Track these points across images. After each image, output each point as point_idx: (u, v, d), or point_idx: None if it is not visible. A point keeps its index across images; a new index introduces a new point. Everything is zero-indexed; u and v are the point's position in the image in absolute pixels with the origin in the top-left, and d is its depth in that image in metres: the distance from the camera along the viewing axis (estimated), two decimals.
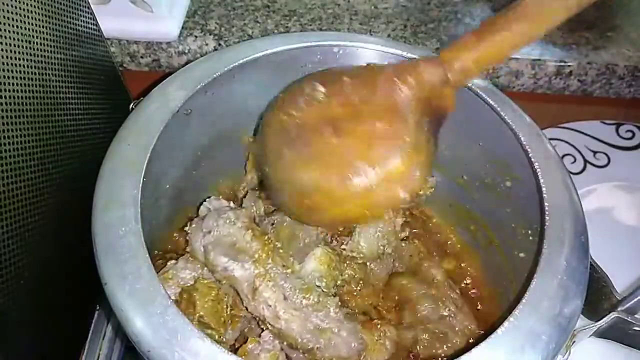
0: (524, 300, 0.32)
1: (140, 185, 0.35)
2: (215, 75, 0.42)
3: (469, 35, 0.34)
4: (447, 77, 0.34)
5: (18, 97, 0.36)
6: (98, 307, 0.47)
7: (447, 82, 0.34)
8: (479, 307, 0.46)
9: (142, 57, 0.61)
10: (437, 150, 0.37)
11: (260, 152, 0.39)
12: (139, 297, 0.31)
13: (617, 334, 0.37)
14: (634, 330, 0.36)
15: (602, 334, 0.37)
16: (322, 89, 0.36)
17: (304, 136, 0.36)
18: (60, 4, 0.42)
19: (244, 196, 0.49)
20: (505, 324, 0.31)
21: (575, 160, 0.64)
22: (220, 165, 0.49)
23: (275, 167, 0.37)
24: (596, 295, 0.38)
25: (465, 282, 0.48)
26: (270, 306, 0.37)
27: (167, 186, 0.44)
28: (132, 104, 0.43)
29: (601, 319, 0.36)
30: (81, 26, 0.45)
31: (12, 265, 0.35)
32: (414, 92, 0.35)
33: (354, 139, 0.35)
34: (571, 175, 0.39)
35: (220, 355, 0.29)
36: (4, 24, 0.35)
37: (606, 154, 0.65)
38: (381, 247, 0.45)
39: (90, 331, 0.46)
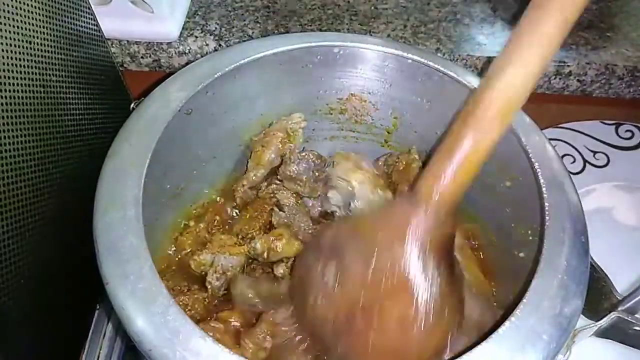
0: (524, 300, 0.32)
1: (142, 185, 0.35)
2: (216, 76, 0.42)
3: (433, 167, 0.34)
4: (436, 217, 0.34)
5: (18, 97, 0.36)
6: (98, 307, 0.47)
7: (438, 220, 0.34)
8: None
9: (142, 57, 0.61)
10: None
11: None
12: (141, 296, 0.31)
13: (617, 333, 0.37)
14: (634, 330, 0.36)
15: (602, 334, 0.37)
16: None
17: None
18: (61, 4, 0.42)
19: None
20: (506, 323, 0.31)
21: (574, 160, 0.64)
22: (221, 165, 0.49)
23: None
24: (596, 295, 0.38)
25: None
26: None
27: (168, 186, 0.44)
28: (133, 104, 0.43)
29: (601, 318, 0.36)
30: (82, 26, 0.45)
31: (12, 265, 0.35)
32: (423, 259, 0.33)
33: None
34: (571, 175, 0.39)
35: (221, 355, 0.29)
36: (4, 24, 0.35)
37: (606, 154, 0.65)
38: None
39: (91, 330, 0.46)
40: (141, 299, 0.31)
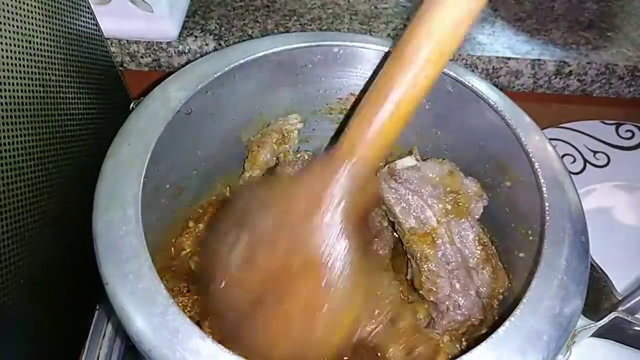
0: (524, 300, 0.31)
1: (141, 185, 0.35)
2: (216, 75, 0.42)
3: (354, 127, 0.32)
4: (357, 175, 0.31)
5: (18, 97, 0.36)
6: (98, 307, 0.47)
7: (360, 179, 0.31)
8: None
9: (142, 57, 0.61)
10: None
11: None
12: (140, 296, 0.31)
13: (617, 333, 0.37)
14: (634, 330, 0.36)
15: (602, 334, 0.37)
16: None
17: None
18: (60, 4, 0.42)
19: None
20: (506, 324, 0.31)
21: (575, 160, 0.64)
22: (221, 165, 0.49)
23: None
24: (596, 295, 0.38)
25: None
26: None
27: (168, 186, 0.44)
28: (132, 104, 0.43)
29: (601, 318, 0.36)
30: (81, 26, 0.45)
31: (12, 265, 0.35)
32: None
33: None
34: (571, 175, 0.39)
35: (221, 355, 0.29)
36: (4, 24, 0.35)
37: (606, 154, 0.65)
38: None
39: (91, 331, 0.46)
40: (140, 299, 0.31)
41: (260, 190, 0.38)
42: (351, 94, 0.50)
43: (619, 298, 0.38)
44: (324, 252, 0.31)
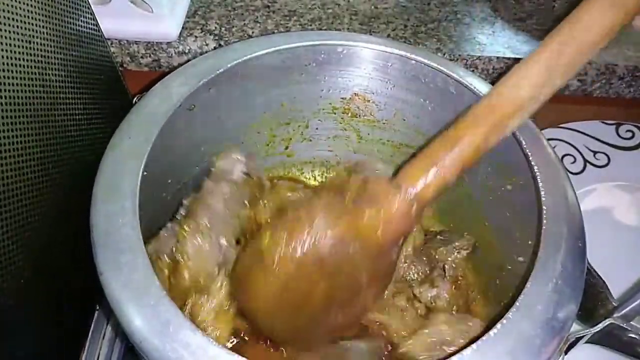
0: (517, 304, 0.31)
1: (140, 178, 0.36)
2: (218, 72, 0.42)
3: (427, 154, 0.34)
4: (410, 210, 0.33)
5: (18, 97, 0.36)
6: (98, 307, 0.47)
7: (409, 215, 0.34)
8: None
9: (142, 57, 0.61)
10: None
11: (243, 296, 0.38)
12: (134, 287, 0.31)
13: (612, 340, 0.37)
14: (629, 337, 0.36)
15: (596, 341, 0.37)
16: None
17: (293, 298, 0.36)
18: (60, 4, 0.42)
19: None
20: (498, 326, 0.30)
21: (575, 160, 0.64)
22: None
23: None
24: (592, 300, 0.38)
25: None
26: None
27: (169, 180, 0.44)
28: (135, 98, 0.43)
29: (596, 324, 0.36)
30: (81, 26, 0.45)
31: (12, 265, 0.35)
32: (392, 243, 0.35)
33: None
34: (571, 175, 0.39)
35: (210, 347, 0.29)
36: (4, 24, 0.35)
37: (606, 154, 0.65)
38: None
39: (90, 331, 0.46)
40: (133, 290, 0.31)
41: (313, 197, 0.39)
42: (355, 93, 0.50)
43: (615, 304, 0.37)
44: (387, 273, 0.38)
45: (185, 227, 0.40)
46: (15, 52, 0.36)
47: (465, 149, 0.33)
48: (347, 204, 0.34)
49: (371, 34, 0.62)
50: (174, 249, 0.39)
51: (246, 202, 0.44)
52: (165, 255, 0.39)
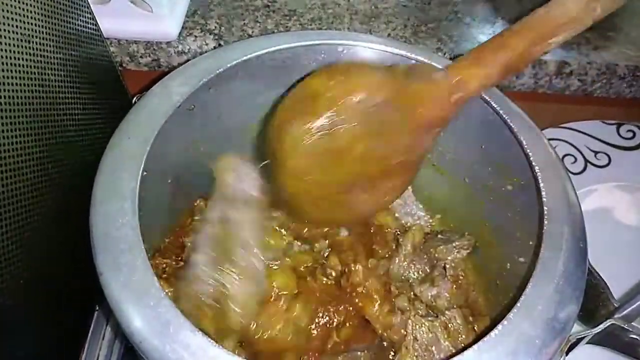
0: (518, 304, 0.31)
1: (139, 178, 0.35)
2: (218, 72, 0.42)
3: (475, 52, 0.35)
4: (452, 96, 0.35)
5: (17, 97, 0.36)
6: (98, 308, 0.47)
7: (450, 100, 0.35)
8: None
9: (141, 56, 0.61)
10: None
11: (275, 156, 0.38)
12: (133, 288, 0.31)
13: (613, 341, 0.37)
14: (630, 338, 0.36)
15: (598, 341, 0.37)
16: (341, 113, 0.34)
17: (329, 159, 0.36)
18: (60, 4, 0.42)
19: None
20: (499, 327, 0.30)
21: (575, 160, 0.64)
22: None
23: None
24: (593, 301, 0.38)
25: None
26: None
27: (169, 180, 0.44)
28: (134, 98, 0.43)
29: (597, 325, 0.36)
30: (81, 26, 0.45)
31: (12, 265, 0.35)
32: (432, 115, 0.35)
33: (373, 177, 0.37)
34: (572, 175, 0.39)
35: (210, 348, 0.29)
36: (4, 24, 0.34)
37: (607, 154, 0.65)
38: None
39: (90, 332, 0.46)
40: (133, 291, 0.31)
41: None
42: None
43: (616, 305, 0.37)
44: (414, 162, 0.38)
45: (228, 271, 0.39)
46: (14, 52, 0.36)
47: (510, 53, 0.34)
48: (395, 75, 0.36)
49: (371, 34, 0.62)
50: (220, 294, 0.39)
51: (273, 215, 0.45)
52: (211, 299, 0.39)
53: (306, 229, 0.49)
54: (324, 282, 0.45)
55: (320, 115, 0.34)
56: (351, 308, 0.44)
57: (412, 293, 0.46)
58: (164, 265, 0.45)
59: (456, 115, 0.36)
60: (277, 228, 0.48)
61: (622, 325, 0.36)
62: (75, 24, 0.44)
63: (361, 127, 0.34)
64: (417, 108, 0.35)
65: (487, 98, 0.42)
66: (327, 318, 0.43)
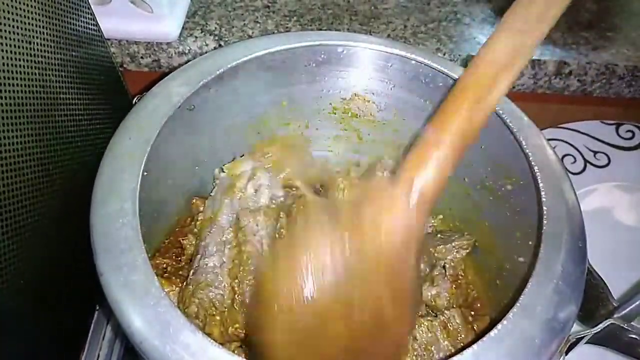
0: (517, 304, 0.31)
1: (140, 178, 0.36)
2: (218, 72, 0.42)
3: (415, 148, 0.32)
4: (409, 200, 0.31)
5: (18, 97, 0.36)
6: (98, 308, 0.47)
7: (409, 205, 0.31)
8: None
9: (142, 57, 0.61)
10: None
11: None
12: (134, 288, 0.31)
13: (612, 341, 0.37)
14: (630, 337, 0.36)
15: (597, 341, 0.37)
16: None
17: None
18: (61, 4, 0.42)
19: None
20: (498, 326, 0.30)
21: (575, 161, 0.64)
22: (223, 162, 0.49)
23: None
24: (593, 301, 0.38)
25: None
26: None
27: (170, 181, 0.44)
28: (135, 99, 0.43)
29: (597, 325, 0.36)
30: (81, 26, 0.45)
31: (12, 265, 0.35)
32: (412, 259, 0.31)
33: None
34: (571, 175, 0.39)
35: (210, 348, 0.29)
36: (4, 24, 0.35)
37: (606, 154, 0.65)
38: None
39: (90, 331, 0.46)
40: (133, 291, 0.31)
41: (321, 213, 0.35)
42: (354, 93, 0.50)
43: (615, 305, 0.37)
44: (409, 288, 0.32)
45: (242, 278, 0.39)
46: (15, 52, 0.36)
47: (454, 135, 0.31)
48: (343, 213, 0.32)
49: (371, 34, 0.62)
50: (233, 300, 0.39)
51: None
52: (222, 305, 0.39)
53: None
54: None
55: (284, 315, 0.31)
56: None
57: None
58: (164, 265, 0.45)
59: (421, 218, 0.32)
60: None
61: (622, 325, 0.36)
62: (76, 25, 0.44)
63: (334, 305, 0.30)
64: (382, 238, 0.30)
65: None
66: None
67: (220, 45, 0.60)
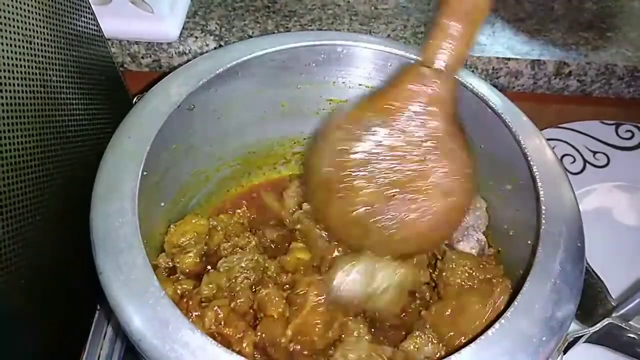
0: (515, 303, 0.32)
1: (139, 177, 0.36)
2: (218, 72, 0.43)
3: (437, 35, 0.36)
4: (441, 80, 0.36)
5: (19, 97, 0.36)
6: (99, 307, 0.47)
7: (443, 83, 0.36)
8: None
9: (142, 57, 0.61)
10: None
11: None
12: (133, 287, 0.31)
13: (611, 340, 0.37)
14: (628, 337, 0.36)
15: (595, 340, 0.37)
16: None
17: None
18: (61, 4, 0.42)
19: None
20: (496, 325, 0.31)
21: (574, 161, 0.64)
22: (224, 161, 0.49)
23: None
24: (591, 300, 0.38)
25: None
26: None
27: (169, 180, 0.44)
28: (135, 98, 0.43)
29: (595, 324, 0.36)
30: (82, 26, 0.45)
31: (12, 265, 0.35)
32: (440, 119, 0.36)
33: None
34: (571, 175, 0.39)
35: (209, 347, 0.29)
36: (5, 24, 0.35)
37: (606, 154, 0.65)
38: None
39: (91, 331, 0.46)
40: (133, 290, 0.31)
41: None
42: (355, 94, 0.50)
43: (614, 304, 0.37)
44: (457, 148, 0.37)
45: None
46: (15, 52, 0.36)
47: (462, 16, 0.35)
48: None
49: (371, 35, 0.62)
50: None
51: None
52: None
53: None
54: None
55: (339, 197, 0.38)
56: None
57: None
58: (164, 265, 0.45)
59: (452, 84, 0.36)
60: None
61: (620, 324, 0.36)
62: (77, 25, 0.44)
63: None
64: (426, 110, 0.36)
65: (485, 98, 0.42)
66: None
67: (220, 45, 0.61)
